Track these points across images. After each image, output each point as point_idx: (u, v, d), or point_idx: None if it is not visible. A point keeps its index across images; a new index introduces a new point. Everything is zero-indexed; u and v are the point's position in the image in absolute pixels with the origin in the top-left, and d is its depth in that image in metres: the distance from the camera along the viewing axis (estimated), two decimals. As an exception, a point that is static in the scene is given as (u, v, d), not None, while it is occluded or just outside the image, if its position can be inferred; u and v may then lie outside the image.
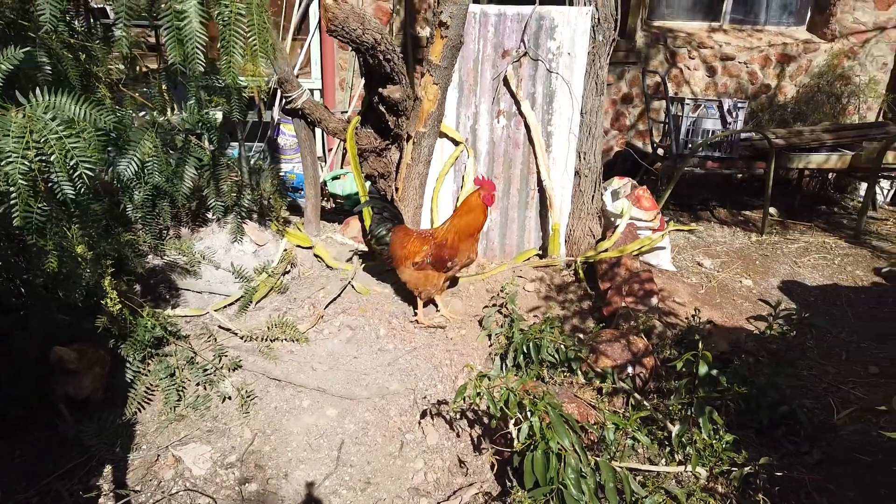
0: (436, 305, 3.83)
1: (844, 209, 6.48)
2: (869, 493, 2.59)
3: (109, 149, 3.24)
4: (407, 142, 4.01)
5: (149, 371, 3.03)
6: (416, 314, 3.74)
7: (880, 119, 6.82)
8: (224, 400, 3.01)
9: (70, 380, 2.73)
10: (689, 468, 2.57)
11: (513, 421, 2.37)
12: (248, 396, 2.99)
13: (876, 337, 3.91)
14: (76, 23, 3.22)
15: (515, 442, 2.32)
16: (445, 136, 4.26)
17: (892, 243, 5.40)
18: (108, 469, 2.59)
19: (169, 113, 3.67)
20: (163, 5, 2.54)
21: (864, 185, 6.26)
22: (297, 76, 5.93)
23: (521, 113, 4.25)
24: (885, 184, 6.53)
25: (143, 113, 3.50)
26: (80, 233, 2.72)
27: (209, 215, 3.90)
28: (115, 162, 3.22)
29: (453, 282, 4.11)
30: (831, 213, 6.32)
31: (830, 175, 6.65)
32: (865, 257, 5.09)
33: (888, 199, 6.67)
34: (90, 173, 2.47)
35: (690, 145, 5.57)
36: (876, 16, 6.66)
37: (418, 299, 3.70)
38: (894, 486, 2.63)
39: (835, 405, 3.20)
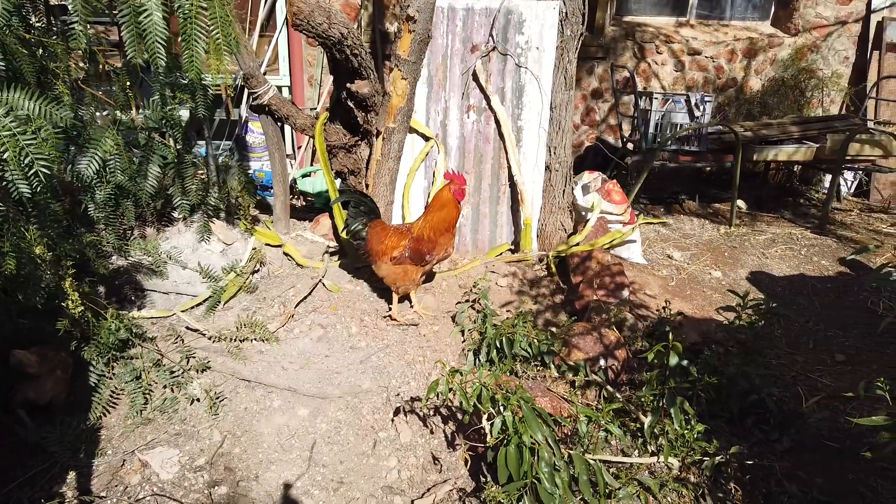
0: (410, 301, 3.80)
1: (810, 201, 6.60)
2: (837, 480, 2.63)
3: (71, 147, 3.16)
4: (376, 137, 3.97)
5: (114, 374, 2.95)
6: (390, 309, 3.71)
7: (843, 112, 6.95)
8: (192, 402, 2.95)
9: (31, 384, 2.65)
10: (662, 459, 2.58)
11: (485, 416, 2.36)
12: (217, 398, 2.94)
13: (842, 325, 3.98)
14: (33, 18, 3.13)
15: (488, 437, 2.31)
16: (415, 131, 4.24)
17: (856, 233, 5.51)
18: (71, 475, 2.52)
19: (133, 112, 3.58)
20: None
21: (828, 177, 6.38)
22: (265, 73, 5.86)
23: (490, 108, 4.24)
24: (848, 175, 6.67)
25: (105, 112, 3.41)
26: (38, 233, 2.63)
27: (175, 214, 3.82)
28: (75, 160, 3.14)
29: (428, 277, 4.09)
30: (797, 205, 6.43)
31: (796, 167, 6.77)
32: (831, 247, 5.19)
33: (852, 191, 6.81)
34: (47, 171, 2.40)
35: (659, 139, 5.61)
36: (837, 10, 6.78)
37: (394, 294, 3.67)
38: (861, 471, 2.67)
39: (803, 393, 3.24)
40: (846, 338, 3.85)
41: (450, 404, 2.94)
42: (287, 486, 2.54)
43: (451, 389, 2.41)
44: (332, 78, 3.92)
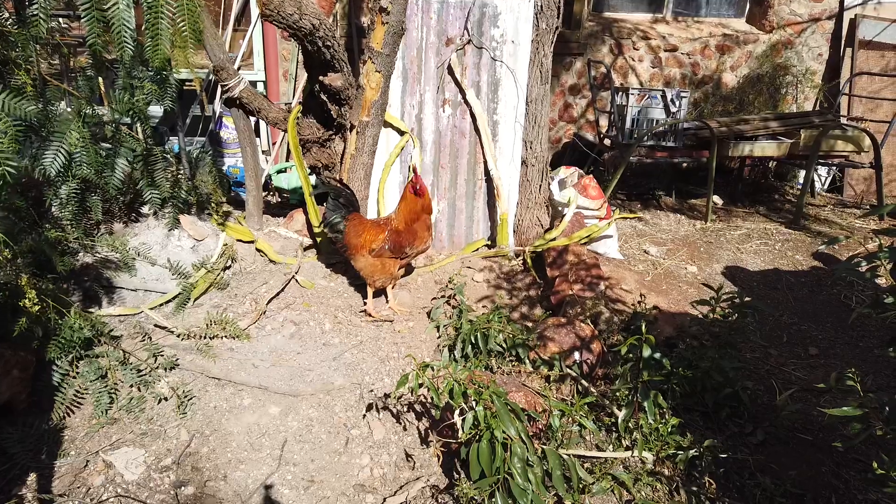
0: (385, 297, 3.75)
1: (784, 196, 6.65)
2: (810, 472, 2.63)
3: (32, 137, 3.07)
4: (351, 132, 3.91)
5: (78, 373, 2.87)
6: (365, 304, 3.65)
7: (816, 108, 7.01)
8: (160, 401, 2.88)
9: (-14, 385, 2.56)
10: (636, 453, 2.56)
11: (457, 411, 2.32)
12: (185, 396, 2.87)
13: (815, 319, 4.01)
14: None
15: (460, 432, 2.27)
16: (390, 125, 4.19)
17: (830, 228, 5.56)
18: (32, 477, 2.44)
19: (105, 107, 3.50)
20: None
21: (802, 173, 6.43)
22: (240, 68, 5.77)
23: (466, 102, 4.21)
24: (822, 171, 6.73)
25: (70, 106, 3.32)
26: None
27: (144, 209, 3.73)
28: (39, 154, 3.05)
29: (406, 271, 4.05)
30: (772, 200, 6.47)
31: (771, 163, 6.82)
32: (805, 242, 5.22)
33: (825, 186, 6.88)
34: (13, 171, 2.33)
35: (636, 135, 5.62)
36: (811, 7, 6.83)
37: (369, 289, 3.62)
38: (834, 464, 2.68)
39: (777, 386, 3.25)
40: (820, 331, 3.87)
41: (424, 400, 2.90)
42: (256, 486, 2.49)
43: (421, 384, 2.37)
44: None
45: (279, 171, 5.88)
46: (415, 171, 3.58)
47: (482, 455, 2.16)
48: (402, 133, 4.24)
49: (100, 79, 3.52)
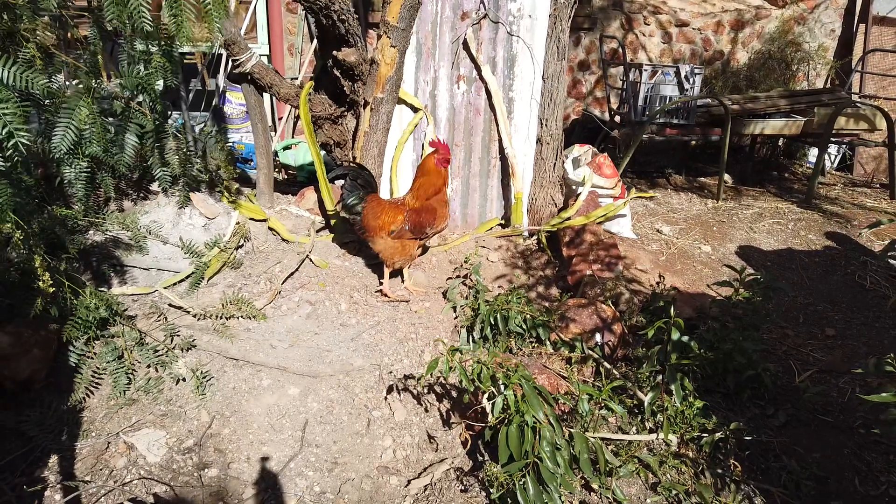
0: (401, 277, 3.71)
1: (794, 175, 6.61)
2: (833, 454, 2.63)
3: (32, 112, 2.99)
4: (364, 108, 3.84)
5: (95, 354, 2.83)
6: (380, 285, 3.61)
7: (828, 85, 6.94)
8: (178, 382, 2.85)
9: (3, 364, 2.52)
10: (661, 436, 2.55)
11: (486, 395, 2.30)
12: (203, 377, 2.83)
13: (830, 299, 3.99)
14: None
15: (489, 416, 2.25)
16: (404, 102, 4.10)
17: (842, 207, 5.52)
18: (53, 459, 2.41)
19: (106, 80, 3.41)
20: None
21: (812, 151, 6.38)
22: (244, 40, 5.65)
23: (481, 78, 4.12)
24: (832, 149, 6.68)
25: (76, 81, 3.23)
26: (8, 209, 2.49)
27: (154, 187, 3.67)
28: (47, 131, 2.97)
29: (422, 251, 4.00)
30: (782, 179, 6.43)
31: (781, 141, 6.76)
32: (817, 221, 5.19)
33: (835, 165, 6.84)
34: (26, 141, 2.26)
35: (648, 112, 5.54)
36: (825, -18, 6.74)
37: (385, 270, 3.57)
38: (856, 445, 2.68)
39: (795, 368, 3.24)
40: (835, 312, 3.86)
41: (445, 382, 2.88)
42: (280, 468, 2.47)
43: (450, 368, 2.34)
44: (313, 46, 3.78)
45: (285, 148, 5.81)
46: (433, 141, 3.48)
47: (511, 439, 2.15)
48: (415, 110, 4.16)
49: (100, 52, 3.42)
